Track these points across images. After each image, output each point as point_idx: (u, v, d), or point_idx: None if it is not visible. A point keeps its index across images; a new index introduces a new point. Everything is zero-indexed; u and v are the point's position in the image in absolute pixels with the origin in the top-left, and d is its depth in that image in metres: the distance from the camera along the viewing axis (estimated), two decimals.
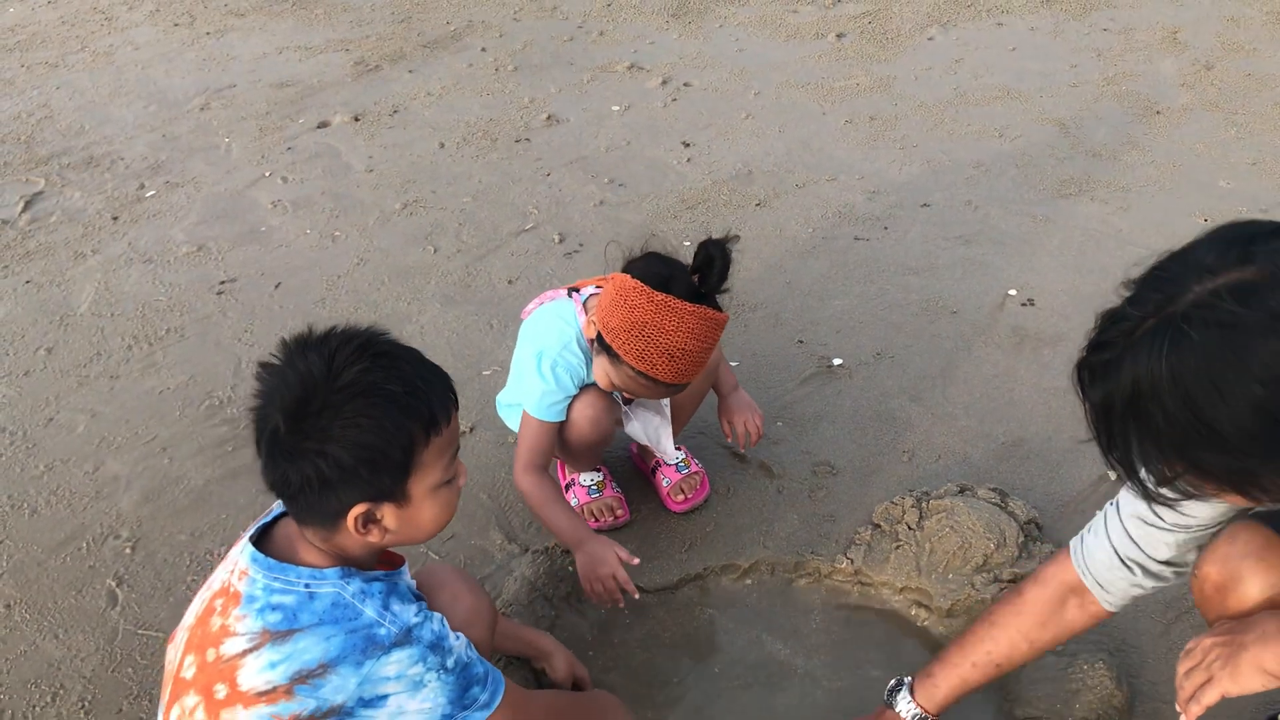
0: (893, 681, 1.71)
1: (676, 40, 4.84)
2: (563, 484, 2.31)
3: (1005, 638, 1.59)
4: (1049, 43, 4.68)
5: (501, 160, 3.84)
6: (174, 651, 1.36)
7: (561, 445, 2.15)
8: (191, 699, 1.28)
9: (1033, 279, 3.04)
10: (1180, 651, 1.38)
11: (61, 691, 1.95)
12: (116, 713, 1.90)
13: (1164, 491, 1.14)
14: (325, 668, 1.24)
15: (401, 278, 3.17)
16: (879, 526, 2.17)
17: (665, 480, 2.29)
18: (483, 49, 4.82)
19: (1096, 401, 1.12)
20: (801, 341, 2.81)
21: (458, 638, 1.36)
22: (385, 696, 1.28)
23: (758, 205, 3.48)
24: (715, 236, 1.91)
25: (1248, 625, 1.32)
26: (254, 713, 1.25)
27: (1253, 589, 1.37)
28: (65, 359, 2.87)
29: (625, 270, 1.93)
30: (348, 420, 1.24)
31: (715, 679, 1.95)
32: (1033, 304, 2.93)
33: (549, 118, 4.12)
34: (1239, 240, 1.05)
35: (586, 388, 2.08)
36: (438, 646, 1.31)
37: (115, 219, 3.57)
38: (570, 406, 2.07)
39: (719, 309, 1.92)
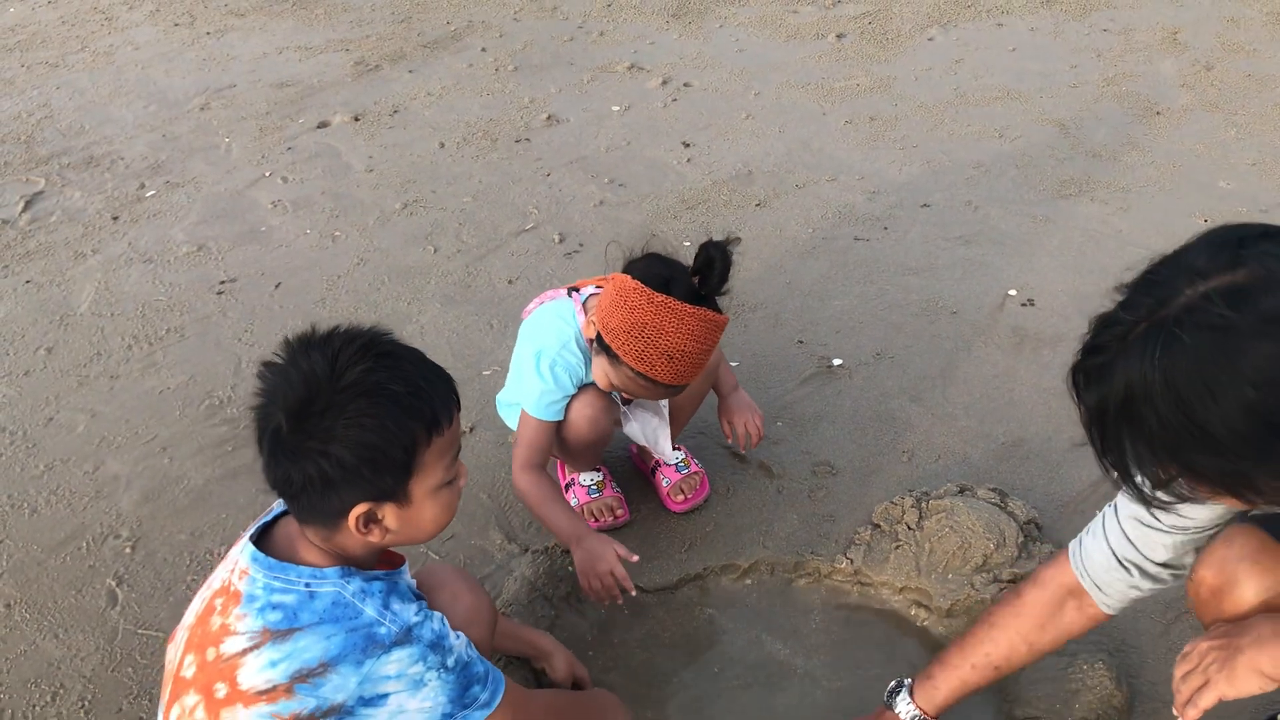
0: (892, 683, 1.72)
1: (676, 40, 4.84)
2: (562, 484, 2.31)
3: (1004, 640, 1.59)
4: (1049, 43, 4.68)
5: (502, 160, 3.84)
6: (174, 651, 1.36)
7: (560, 445, 2.15)
8: (191, 698, 1.29)
9: (1033, 279, 3.05)
10: (1179, 653, 1.38)
11: (61, 691, 1.95)
12: (116, 712, 1.90)
13: (1159, 495, 1.14)
14: (325, 666, 1.25)
15: (401, 278, 3.17)
16: (879, 526, 2.18)
17: (665, 480, 2.29)
18: (483, 49, 4.82)
19: (1090, 405, 1.13)
20: (801, 342, 2.81)
21: (458, 637, 1.36)
22: (385, 695, 1.28)
23: (758, 205, 3.48)
24: (716, 238, 1.91)
25: (1243, 628, 1.32)
26: (254, 711, 1.25)
27: (1248, 592, 1.37)
28: (65, 359, 2.88)
29: (625, 271, 1.93)
30: (351, 420, 1.24)
31: (715, 679, 1.95)
32: (1033, 304, 2.94)
33: (549, 118, 4.13)
34: (1229, 243, 1.06)
35: (585, 387, 2.08)
36: (438, 645, 1.31)
37: (115, 219, 3.57)
38: (569, 406, 2.08)
39: (719, 311, 1.92)
